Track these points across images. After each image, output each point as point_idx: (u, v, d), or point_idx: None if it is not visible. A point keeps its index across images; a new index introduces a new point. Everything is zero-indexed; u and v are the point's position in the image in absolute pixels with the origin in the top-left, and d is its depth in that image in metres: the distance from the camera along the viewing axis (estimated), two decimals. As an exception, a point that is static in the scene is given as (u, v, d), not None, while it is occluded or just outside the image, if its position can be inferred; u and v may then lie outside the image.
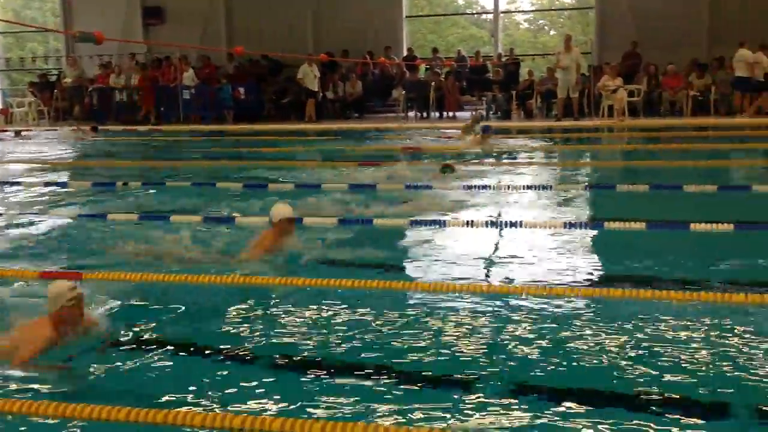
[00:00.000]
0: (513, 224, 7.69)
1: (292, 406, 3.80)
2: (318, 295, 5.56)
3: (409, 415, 3.67)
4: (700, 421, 3.60)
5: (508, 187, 10.22)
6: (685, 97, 20.40)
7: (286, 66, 24.43)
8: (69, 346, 4.54)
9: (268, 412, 3.75)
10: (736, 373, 4.07)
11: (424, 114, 22.89)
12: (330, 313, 5.22)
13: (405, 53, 25.21)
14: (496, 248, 7.14)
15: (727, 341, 4.52)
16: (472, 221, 7.82)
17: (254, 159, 14.90)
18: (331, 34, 25.42)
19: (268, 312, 5.43)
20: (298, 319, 5.17)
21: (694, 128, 17.87)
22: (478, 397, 3.86)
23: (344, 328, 4.92)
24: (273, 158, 15.01)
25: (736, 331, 4.68)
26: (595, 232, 7.59)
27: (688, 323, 4.81)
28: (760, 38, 19.53)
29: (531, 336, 4.68)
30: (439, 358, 4.38)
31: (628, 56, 21.99)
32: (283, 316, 5.32)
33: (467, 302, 5.35)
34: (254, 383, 4.11)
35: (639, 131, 18.37)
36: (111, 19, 26.11)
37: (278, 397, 3.93)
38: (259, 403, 3.87)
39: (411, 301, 5.48)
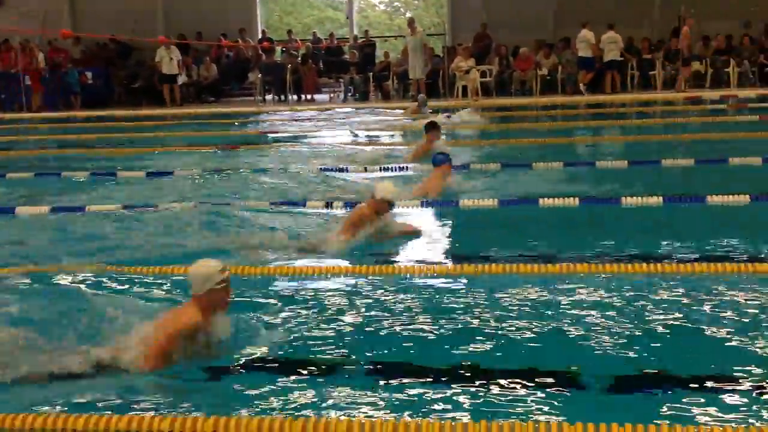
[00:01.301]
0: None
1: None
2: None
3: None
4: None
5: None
6: (534, 77, 21.15)
7: (136, 49, 23.57)
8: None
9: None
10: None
11: (282, 97, 22.67)
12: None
13: (260, 35, 24.87)
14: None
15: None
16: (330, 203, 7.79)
17: (104, 146, 14.31)
18: (183, 15, 24.70)
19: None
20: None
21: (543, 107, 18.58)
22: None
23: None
24: (124, 145, 14.50)
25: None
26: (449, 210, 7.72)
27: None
28: (604, 19, 20.44)
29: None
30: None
31: (479, 38, 22.53)
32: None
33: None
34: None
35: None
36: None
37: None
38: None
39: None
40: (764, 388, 3.56)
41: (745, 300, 4.73)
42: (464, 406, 3.52)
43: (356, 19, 26.99)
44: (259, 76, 22.56)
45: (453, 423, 3.23)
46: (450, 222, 7.43)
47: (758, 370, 3.73)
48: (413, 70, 20.52)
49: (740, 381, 3.64)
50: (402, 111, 17.78)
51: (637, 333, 4.27)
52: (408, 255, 6.14)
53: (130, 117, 19.48)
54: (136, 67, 23.58)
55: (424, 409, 3.47)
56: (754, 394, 3.51)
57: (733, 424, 3.18)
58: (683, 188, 8.09)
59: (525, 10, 22.94)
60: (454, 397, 3.59)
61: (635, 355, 4.01)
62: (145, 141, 15.03)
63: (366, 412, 3.46)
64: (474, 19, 23.16)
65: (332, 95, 23.18)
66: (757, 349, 4.03)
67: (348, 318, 4.69)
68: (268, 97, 22.83)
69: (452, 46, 22.56)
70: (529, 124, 15.84)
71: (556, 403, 3.51)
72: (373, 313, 4.77)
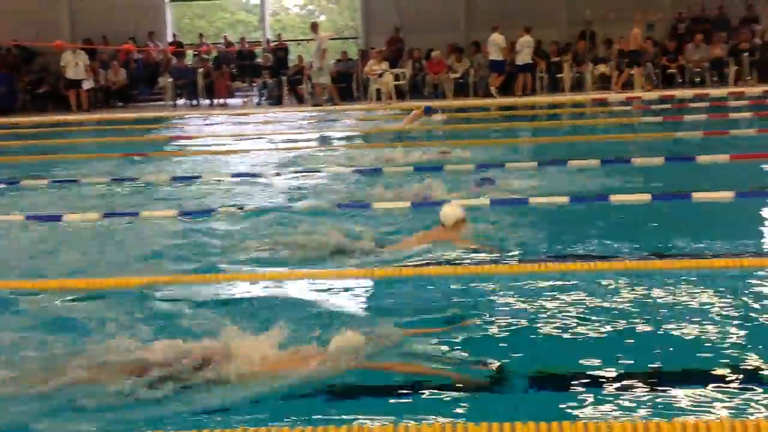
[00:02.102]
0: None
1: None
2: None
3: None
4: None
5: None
6: (447, 80, 21.37)
7: (40, 54, 22.84)
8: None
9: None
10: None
11: (194, 102, 22.32)
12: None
13: (170, 39, 24.43)
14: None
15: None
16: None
17: (7, 155, 13.83)
18: (90, 19, 24.04)
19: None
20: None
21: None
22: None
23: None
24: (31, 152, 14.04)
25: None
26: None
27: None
28: (513, 23, 20.80)
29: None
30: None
31: (392, 41, 22.67)
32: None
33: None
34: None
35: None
36: None
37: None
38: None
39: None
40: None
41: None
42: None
43: (270, 23, 26.80)
44: (170, 80, 22.15)
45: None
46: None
47: None
48: (315, 74, 20.47)
49: None
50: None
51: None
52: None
53: (35, 124, 18.85)
54: (42, 73, 22.85)
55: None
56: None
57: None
58: (589, 188, 8.28)
59: (437, 15, 23.18)
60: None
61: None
62: (50, 148, 14.58)
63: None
64: (387, 22, 23.28)
65: (245, 99, 22.94)
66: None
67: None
68: (180, 101, 22.43)
69: (366, 50, 22.66)
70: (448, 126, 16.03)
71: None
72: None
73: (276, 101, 21.92)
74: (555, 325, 4.45)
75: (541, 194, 7.78)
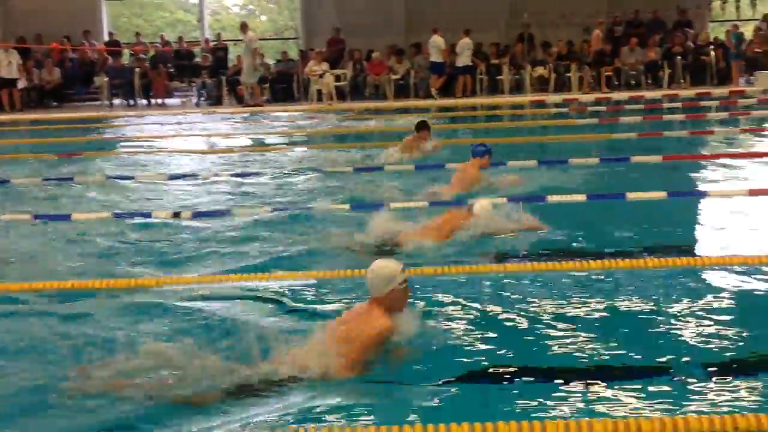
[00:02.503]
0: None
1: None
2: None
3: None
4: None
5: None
6: (387, 81, 21.41)
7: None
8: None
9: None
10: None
11: (131, 102, 21.93)
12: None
13: (107, 38, 23.97)
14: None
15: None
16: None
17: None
18: (24, 17, 23.42)
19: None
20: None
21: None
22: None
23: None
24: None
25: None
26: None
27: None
28: (453, 24, 20.94)
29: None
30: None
31: (332, 42, 22.61)
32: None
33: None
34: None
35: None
36: None
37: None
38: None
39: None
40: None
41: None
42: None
43: (209, 22, 26.48)
44: (106, 80, 21.72)
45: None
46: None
47: None
48: (245, 75, 20.30)
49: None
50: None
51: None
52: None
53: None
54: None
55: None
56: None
57: None
58: (526, 188, 8.37)
59: (377, 16, 23.19)
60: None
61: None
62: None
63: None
64: (327, 23, 23.21)
65: (184, 100, 22.64)
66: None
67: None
68: (116, 101, 22.02)
69: (306, 50, 22.57)
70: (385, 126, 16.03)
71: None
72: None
73: (215, 101, 21.67)
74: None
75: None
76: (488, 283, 5.24)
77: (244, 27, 20.72)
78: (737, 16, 26.31)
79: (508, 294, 5.04)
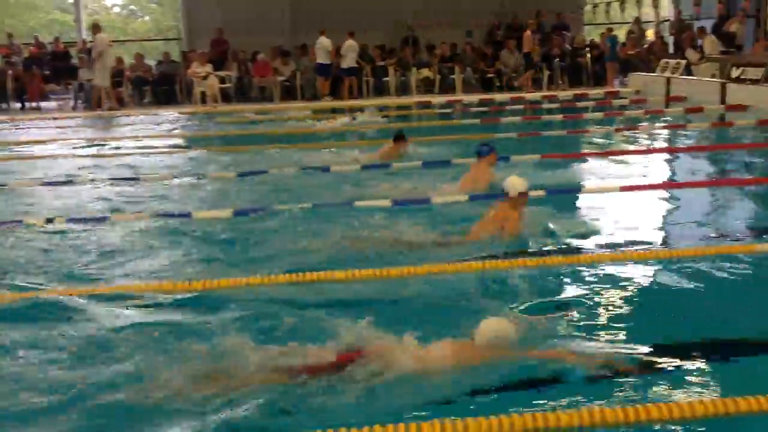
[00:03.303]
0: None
1: None
2: None
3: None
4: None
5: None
6: (273, 83, 21.22)
7: None
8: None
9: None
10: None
11: (3, 105, 20.94)
12: None
13: (-26, 39, 22.82)
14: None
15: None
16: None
17: None
18: None
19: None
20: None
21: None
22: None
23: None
24: None
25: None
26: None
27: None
28: (339, 26, 20.95)
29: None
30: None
31: (216, 43, 22.23)
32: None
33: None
34: None
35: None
36: None
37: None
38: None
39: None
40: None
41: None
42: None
43: (88, 23, 25.56)
44: (-25, 83, 20.68)
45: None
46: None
47: None
48: (98, 78, 19.64)
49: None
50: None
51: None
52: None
53: None
54: None
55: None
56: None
57: None
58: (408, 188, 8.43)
59: (261, 16, 22.95)
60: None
61: None
62: None
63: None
64: (211, 23, 22.80)
65: (61, 103, 21.77)
66: None
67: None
68: (-12, 105, 20.98)
69: (189, 51, 22.14)
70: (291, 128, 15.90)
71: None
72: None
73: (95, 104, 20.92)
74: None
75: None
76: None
77: (95, 28, 19.90)
78: (607, 19, 27.49)
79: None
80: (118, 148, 13.69)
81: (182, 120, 18.09)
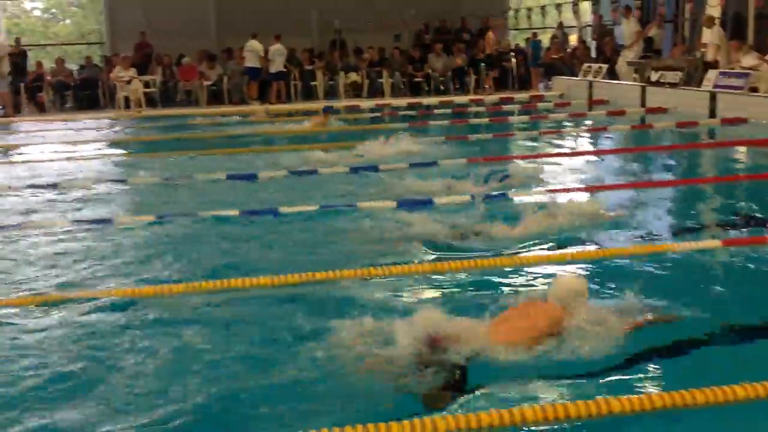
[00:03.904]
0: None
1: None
2: None
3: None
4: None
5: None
6: (200, 88, 20.95)
7: None
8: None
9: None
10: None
11: None
12: None
13: None
14: None
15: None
16: None
17: None
18: None
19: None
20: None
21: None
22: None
23: None
24: None
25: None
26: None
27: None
28: (265, 29, 20.80)
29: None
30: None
31: (139, 47, 21.85)
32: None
33: None
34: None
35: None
36: None
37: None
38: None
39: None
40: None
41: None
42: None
43: (6, 26, 24.85)
44: None
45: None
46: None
47: None
48: None
49: None
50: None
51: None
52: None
53: None
54: None
55: None
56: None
57: None
58: (338, 195, 8.42)
59: (186, 19, 22.68)
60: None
61: None
62: None
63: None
64: (134, 27, 22.39)
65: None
66: None
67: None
68: None
69: (111, 56, 21.72)
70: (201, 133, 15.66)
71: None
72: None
73: (15, 110, 20.32)
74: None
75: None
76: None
77: None
78: (529, 24, 28.00)
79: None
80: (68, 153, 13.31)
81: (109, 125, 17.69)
